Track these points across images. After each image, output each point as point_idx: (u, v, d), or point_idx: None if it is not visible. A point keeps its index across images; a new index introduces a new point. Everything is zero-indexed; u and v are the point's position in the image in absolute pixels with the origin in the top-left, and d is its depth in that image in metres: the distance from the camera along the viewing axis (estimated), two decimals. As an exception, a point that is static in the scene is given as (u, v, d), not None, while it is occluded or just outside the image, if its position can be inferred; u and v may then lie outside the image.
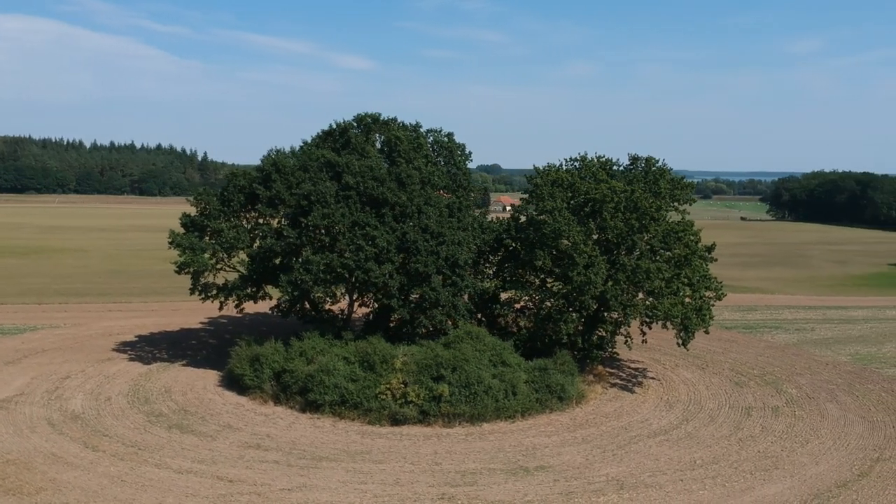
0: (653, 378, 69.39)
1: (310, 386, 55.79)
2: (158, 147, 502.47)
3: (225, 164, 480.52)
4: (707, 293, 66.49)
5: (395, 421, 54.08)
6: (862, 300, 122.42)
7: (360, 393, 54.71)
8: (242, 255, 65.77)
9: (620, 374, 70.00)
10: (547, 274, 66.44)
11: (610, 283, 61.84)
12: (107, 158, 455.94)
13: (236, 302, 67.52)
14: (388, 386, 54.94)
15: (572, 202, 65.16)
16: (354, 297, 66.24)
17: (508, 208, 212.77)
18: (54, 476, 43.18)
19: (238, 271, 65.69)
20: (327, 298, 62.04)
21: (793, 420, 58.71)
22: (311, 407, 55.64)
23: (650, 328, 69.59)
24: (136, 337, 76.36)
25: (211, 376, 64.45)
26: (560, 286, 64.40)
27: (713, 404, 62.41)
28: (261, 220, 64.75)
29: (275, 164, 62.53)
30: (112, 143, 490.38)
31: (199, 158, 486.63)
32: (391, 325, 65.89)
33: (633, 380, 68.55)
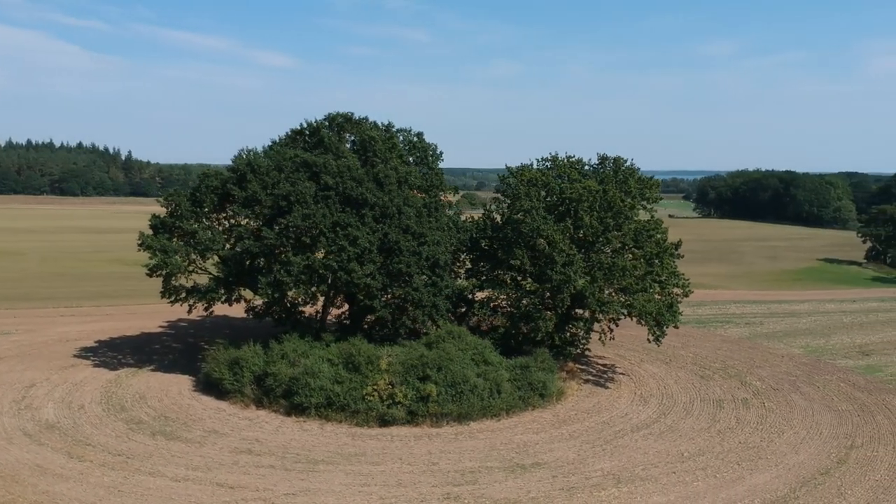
0: (622, 373, 70.77)
1: (294, 389, 55.07)
2: (79, 146, 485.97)
3: (150, 164, 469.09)
4: (675, 290, 68.16)
5: (384, 422, 53.86)
6: (801, 294, 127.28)
7: (347, 395, 54.28)
8: (214, 257, 64.35)
9: (591, 370, 71.17)
10: (519, 272, 67.08)
11: (586, 280, 62.82)
12: (24, 157, 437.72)
13: (206, 305, 65.99)
14: (375, 387, 54.66)
15: (547, 201, 66.00)
16: (331, 298, 65.51)
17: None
18: (46, 488, 41.62)
19: (210, 274, 64.29)
20: (307, 300, 61.29)
21: (764, 411, 60.73)
22: (297, 410, 54.91)
23: (617, 325, 71.01)
24: (95, 342, 73.90)
25: (184, 381, 62.95)
26: (535, 284, 65.14)
27: (685, 398, 64.05)
28: (234, 221, 63.49)
29: (249, 164, 61.41)
30: (29, 142, 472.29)
31: (123, 157, 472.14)
32: (365, 326, 65.56)
33: (604, 375, 69.78)
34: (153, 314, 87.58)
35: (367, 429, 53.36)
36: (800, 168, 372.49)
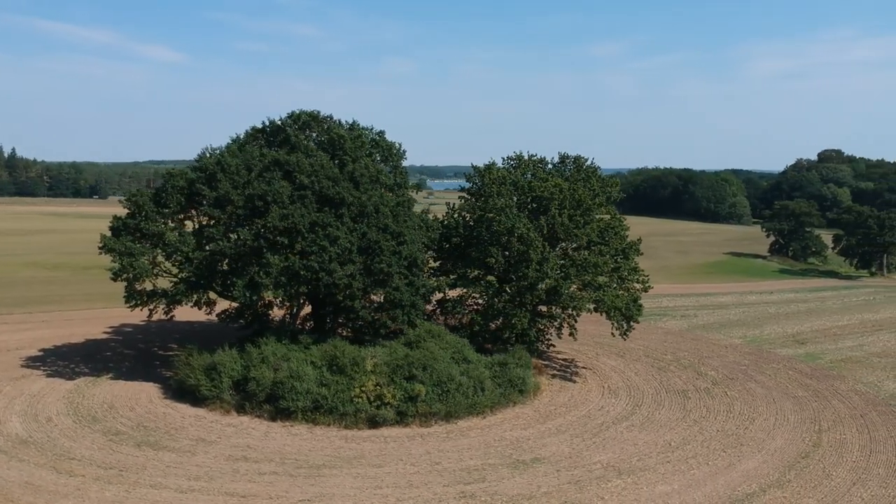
0: (584, 368, 72.33)
1: (279, 393, 53.85)
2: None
3: (36, 162, 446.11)
4: (635, 285, 70.09)
5: (373, 423, 53.36)
6: (721, 287, 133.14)
7: (335, 397, 53.47)
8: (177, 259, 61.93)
9: (554, 365, 72.41)
10: (490, 270, 67.70)
11: (559, 276, 63.94)
12: None
13: (166, 309, 63.59)
14: (362, 389, 54.09)
15: (517, 199, 66.78)
16: (302, 300, 64.22)
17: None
18: (46, 507, 39.40)
19: (173, 277, 61.90)
20: (286, 302, 59.86)
21: (729, 400, 63.34)
22: (282, 414, 53.70)
23: (576, 321, 72.40)
24: (40, 351, 69.95)
25: (150, 388, 60.47)
26: (507, 282, 65.97)
27: (651, 389, 66.06)
28: (201, 222, 61.42)
29: (219, 162, 59.53)
30: None
31: (6, 155, 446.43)
32: (339, 327, 64.78)
33: (568, 370, 71.15)
34: (91, 320, 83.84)
35: (357, 431, 52.73)
36: (693, 166, 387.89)
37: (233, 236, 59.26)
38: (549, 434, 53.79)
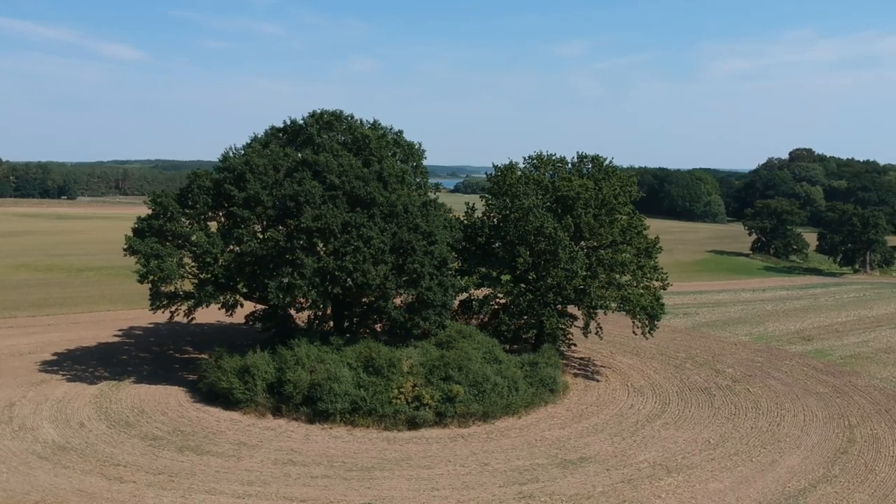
0: (603, 366, 72.61)
1: (317, 395, 53.29)
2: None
3: (2, 162, 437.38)
4: (655, 283, 70.49)
5: (413, 425, 53.05)
6: (713, 284, 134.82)
7: (374, 399, 53.08)
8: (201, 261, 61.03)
9: (573, 364, 72.60)
10: (514, 270, 67.76)
11: (588, 275, 64.19)
12: None
13: (188, 311, 62.71)
14: (401, 390, 53.77)
15: (543, 199, 66.85)
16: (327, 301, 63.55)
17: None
18: (106, 515, 38.59)
19: (194, 279, 60.96)
20: (320, 304, 59.12)
21: (753, 397, 63.96)
22: (320, 417, 53.20)
23: (593, 319, 72.62)
24: (54, 355, 68.52)
25: (177, 392, 59.51)
26: (519, 281, 66.29)
27: (674, 387, 66.50)
28: (228, 223, 60.53)
29: (247, 163, 58.76)
30: None
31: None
32: (346, 326, 64.47)
33: (588, 369, 71.41)
34: (98, 322, 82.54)
35: (397, 433, 52.37)
36: (663, 165, 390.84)
37: (261, 237, 58.60)
38: (588, 433, 53.90)
